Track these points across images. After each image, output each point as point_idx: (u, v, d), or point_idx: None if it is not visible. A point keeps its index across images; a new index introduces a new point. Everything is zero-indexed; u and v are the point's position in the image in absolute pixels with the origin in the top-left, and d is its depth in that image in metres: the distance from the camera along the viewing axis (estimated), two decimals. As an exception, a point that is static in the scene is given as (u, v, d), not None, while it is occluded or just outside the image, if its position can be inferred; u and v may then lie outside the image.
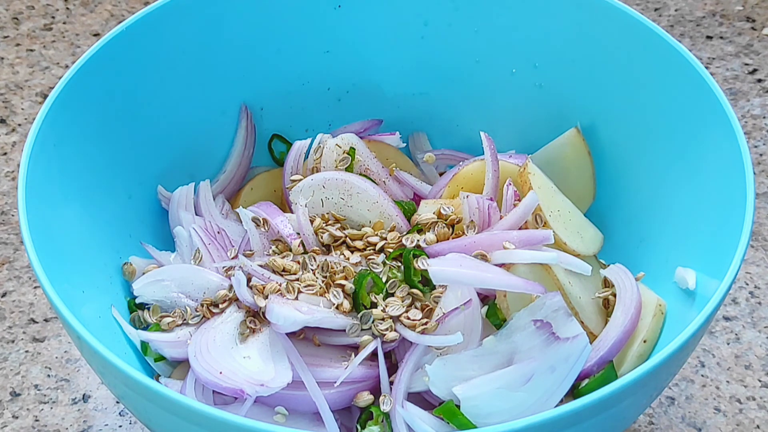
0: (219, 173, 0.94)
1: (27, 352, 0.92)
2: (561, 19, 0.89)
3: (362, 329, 0.77)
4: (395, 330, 0.76)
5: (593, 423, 0.65)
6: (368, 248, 0.82)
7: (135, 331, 0.79)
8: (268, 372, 0.74)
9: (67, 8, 1.26)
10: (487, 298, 0.79)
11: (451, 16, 0.93)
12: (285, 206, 0.90)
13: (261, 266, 0.80)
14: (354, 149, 0.88)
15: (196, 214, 0.89)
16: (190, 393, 0.75)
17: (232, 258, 0.83)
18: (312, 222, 0.83)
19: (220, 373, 0.73)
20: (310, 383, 0.74)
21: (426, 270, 0.77)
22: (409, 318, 0.76)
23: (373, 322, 0.76)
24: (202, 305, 0.80)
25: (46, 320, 0.94)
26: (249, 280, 0.80)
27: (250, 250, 0.84)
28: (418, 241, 0.81)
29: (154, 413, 0.68)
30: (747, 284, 0.97)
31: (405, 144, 0.96)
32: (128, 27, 0.86)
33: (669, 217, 0.83)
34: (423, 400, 0.76)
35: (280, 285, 0.78)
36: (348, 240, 0.82)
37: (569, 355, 0.71)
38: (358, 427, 0.75)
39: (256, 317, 0.78)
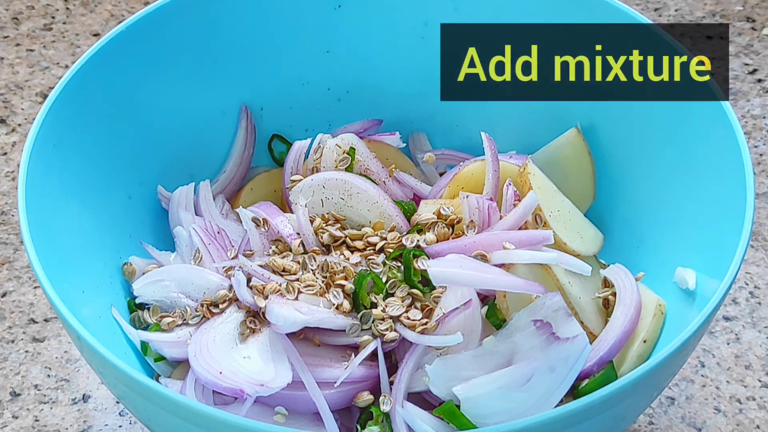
0: (219, 173, 0.94)
1: (27, 352, 0.92)
2: (561, 18, 0.89)
3: (362, 329, 0.77)
4: (395, 330, 0.76)
5: (593, 423, 0.65)
6: (368, 248, 0.82)
7: (135, 331, 0.79)
8: (268, 372, 0.74)
9: (67, 8, 1.26)
10: (487, 298, 0.79)
11: (451, 16, 0.93)
12: (285, 206, 0.90)
13: (261, 266, 0.80)
14: (354, 149, 0.88)
15: (196, 214, 0.89)
16: (190, 393, 0.75)
17: (232, 258, 0.83)
18: (312, 222, 0.83)
19: (220, 373, 0.73)
20: (310, 383, 0.74)
21: (426, 270, 0.77)
22: (409, 318, 0.76)
23: (373, 322, 0.76)
24: (202, 305, 0.80)
25: (46, 320, 0.94)
26: (249, 280, 0.80)
27: (250, 250, 0.84)
28: (418, 241, 0.81)
29: (154, 413, 0.68)
30: (747, 284, 0.97)
31: (405, 144, 0.96)
32: (128, 27, 0.86)
33: (669, 217, 0.83)
34: (423, 400, 0.76)
35: (280, 285, 0.78)
36: (348, 240, 0.82)
37: (569, 355, 0.71)
38: (358, 427, 0.75)
39: (256, 317, 0.78)
